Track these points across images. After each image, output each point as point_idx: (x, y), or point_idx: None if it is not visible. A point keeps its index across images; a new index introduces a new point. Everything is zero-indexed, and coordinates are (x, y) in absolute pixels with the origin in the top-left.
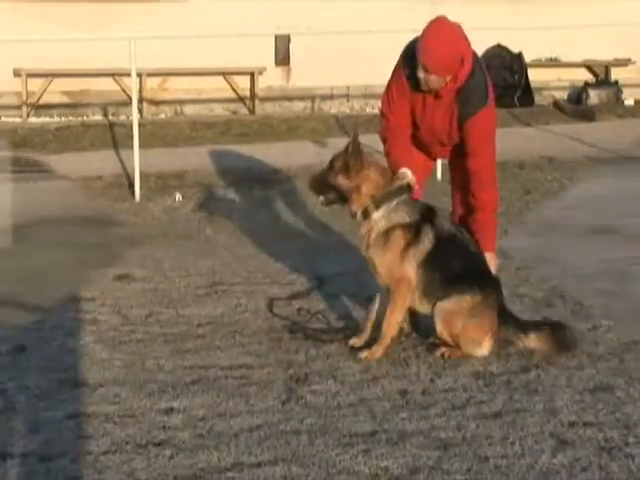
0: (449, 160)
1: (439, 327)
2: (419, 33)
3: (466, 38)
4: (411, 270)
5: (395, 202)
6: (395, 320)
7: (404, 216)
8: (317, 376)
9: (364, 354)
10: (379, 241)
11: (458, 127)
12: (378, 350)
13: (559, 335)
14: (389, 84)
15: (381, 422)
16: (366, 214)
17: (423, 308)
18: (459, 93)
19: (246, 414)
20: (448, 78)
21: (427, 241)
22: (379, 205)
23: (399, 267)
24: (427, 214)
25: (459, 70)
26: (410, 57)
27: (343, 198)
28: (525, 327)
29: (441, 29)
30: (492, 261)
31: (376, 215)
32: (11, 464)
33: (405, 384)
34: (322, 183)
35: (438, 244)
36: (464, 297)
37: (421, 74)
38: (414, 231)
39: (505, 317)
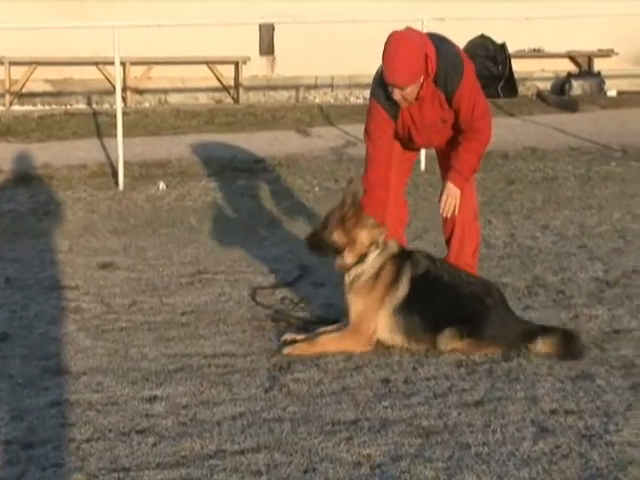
0: (440, 151)
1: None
2: (399, 26)
3: (419, 34)
4: (376, 323)
5: (381, 250)
6: (332, 349)
7: (389, 265)
8: (300, 364)
9: (287, 350)
10: (363, 288)
11: (449, 107)
12: (299, 350)
13: (567, 343)
14: (367, 120)
15: (364, 410)
16: (356, 261)
17: (417, 348)
18: (436, 80)
19: (229, 402)
20: (422, 79)
21: (405, 285)
22: (368, 253)
23: (369, 319)
24: (406, 258)
25: (427, 65)
26: (382, 85)
27: (337, 250)
28: (532, 336)
29: (398, 42)
30: (450, 193)
31: (367, 263)
32: None
33: (388, 372)
34: (318, 240)
35: (414, 285)
36: (454, 342)
37: (397, 95)
38: (395, 279)
39: (507, 334)
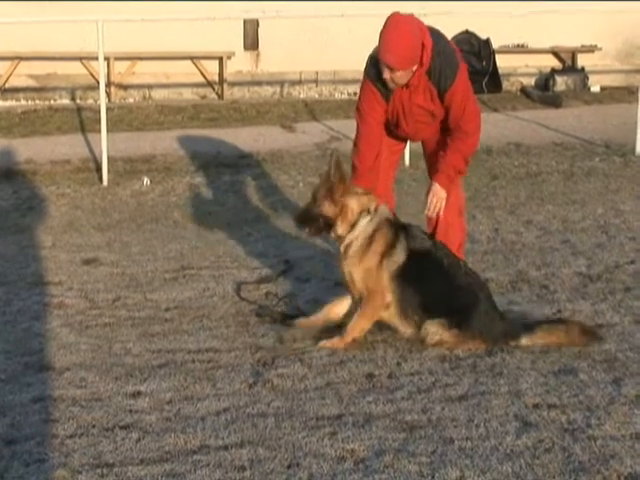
0: (427, 149)
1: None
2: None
3: (420, 23)
4: (385, 282)
5: (372, 216)
6: (361, 326)
7: (383, 228)
8: (284, 360)
9: (324, 342)
10: (358, 252)
11: (440, 103)
12: (338, 344)
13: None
14: (359, 97)
15: (347, 405)
16: (349, 230)
17: (404, 329)
18: (430, 74)
19: (213, 397)
20: (414, 68)
21: (401, 252)
22: (359, 220)
23: (375, 278)
24: (401, 228)
25: (422, 55)
26: (375, 64)
27: (329, 225)
28: (516, 332)
29: (397, 24)
30: (435, 194)
31: (359, 229)
32: None
33: (372, 367)
34: (308, 216)
35: (412, 258)
36: (441, 331)
37: (387, 74)
38: (391, 242)
39: (493, 331)
